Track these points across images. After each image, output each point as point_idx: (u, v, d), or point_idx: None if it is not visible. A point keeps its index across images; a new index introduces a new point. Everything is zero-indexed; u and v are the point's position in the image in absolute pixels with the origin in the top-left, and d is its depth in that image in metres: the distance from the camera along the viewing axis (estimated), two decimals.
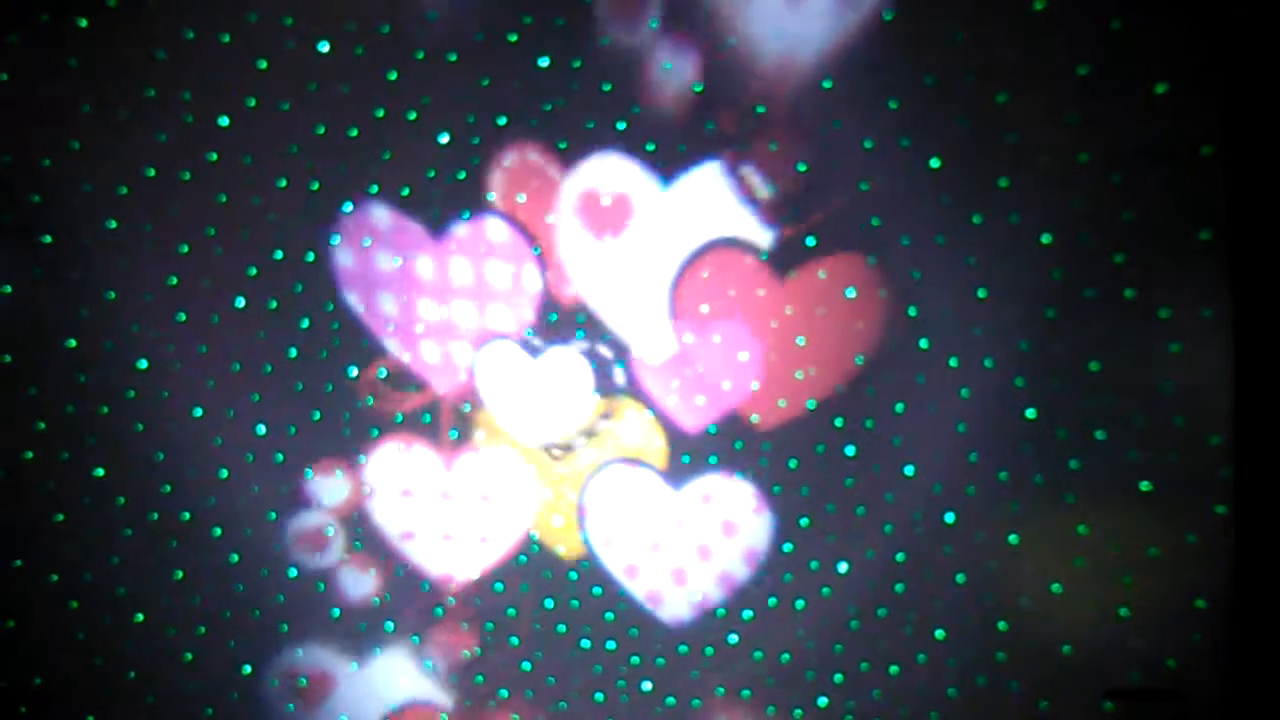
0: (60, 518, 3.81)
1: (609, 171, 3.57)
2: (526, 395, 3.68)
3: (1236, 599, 3.21)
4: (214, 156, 3.72)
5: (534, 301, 3.66)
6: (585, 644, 3.66)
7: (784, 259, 3.51)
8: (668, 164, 3.54)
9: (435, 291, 3.70)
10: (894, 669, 3.49)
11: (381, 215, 3.70)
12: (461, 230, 3.68)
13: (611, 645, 3.66)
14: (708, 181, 3.52)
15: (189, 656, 3.80)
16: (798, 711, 3.58)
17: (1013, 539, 3.41)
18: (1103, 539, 3.36)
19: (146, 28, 3.71)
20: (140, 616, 3.81)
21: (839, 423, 3.50)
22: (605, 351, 3.60)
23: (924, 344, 3.43)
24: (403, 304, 3.71)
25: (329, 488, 3.75)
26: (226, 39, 3.68)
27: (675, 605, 3.62)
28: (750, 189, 3.44)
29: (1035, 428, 3.37)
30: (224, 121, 3.71)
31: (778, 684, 3.59)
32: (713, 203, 3.51)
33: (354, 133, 3.68)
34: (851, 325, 3.48)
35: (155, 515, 3.79)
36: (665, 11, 3.48)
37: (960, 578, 3.44)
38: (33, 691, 3.82)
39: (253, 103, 3.70)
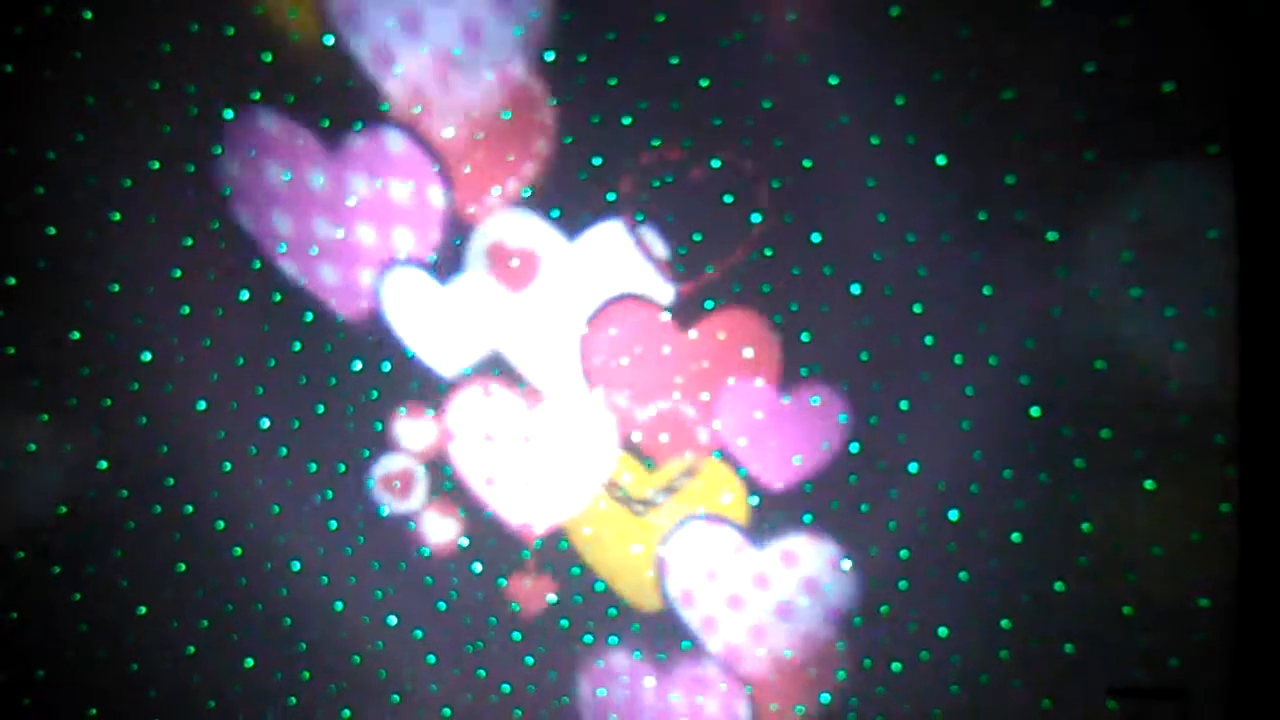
0: (63, 510, 3.81)
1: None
2: (435, 323, 3.62)
3: (1239, 597, 3.21)
4: (219, 150, 3.72)
5: (440, 222, 3.59)
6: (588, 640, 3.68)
7: (685, 315, 3.55)
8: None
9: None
10: (897, 666, 3.49)
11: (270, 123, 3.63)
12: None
13: (614, 640, 3.68)
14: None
15: (191, 649, 3.80)
16: (800, 708, 3.58)
17: (1016, 537, 3.40)
18: (1106, 537, 3.35)
19: (151, 20, 3.70)
20: (143, 609, 3.81)
21: (843, 419, 3.51)
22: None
23: (929, 341, 3.43)
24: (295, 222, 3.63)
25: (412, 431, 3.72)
26: (231, 31, 3.68)
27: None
28: (648, 249, 3.51)
29: (1040, 425, 3.37)
30: (229, 114, 3.71)
31: (781, 680, 3.60)
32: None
33: (358, 126, 3.67)
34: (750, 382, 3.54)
35: (158, 508, 3.79)
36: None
37: (964, 575, 3.44)
38: (35, 684, 3.82)
39: (257, 95, 3.70)
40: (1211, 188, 3.24)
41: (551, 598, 3.65)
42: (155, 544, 3.79)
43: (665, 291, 3.57)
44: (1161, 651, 3.31)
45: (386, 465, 3.73)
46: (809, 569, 3.54)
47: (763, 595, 3.57)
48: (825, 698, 3.55)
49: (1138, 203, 3.30)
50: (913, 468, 3.46)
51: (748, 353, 3.56)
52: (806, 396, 3.53)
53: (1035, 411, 3.37)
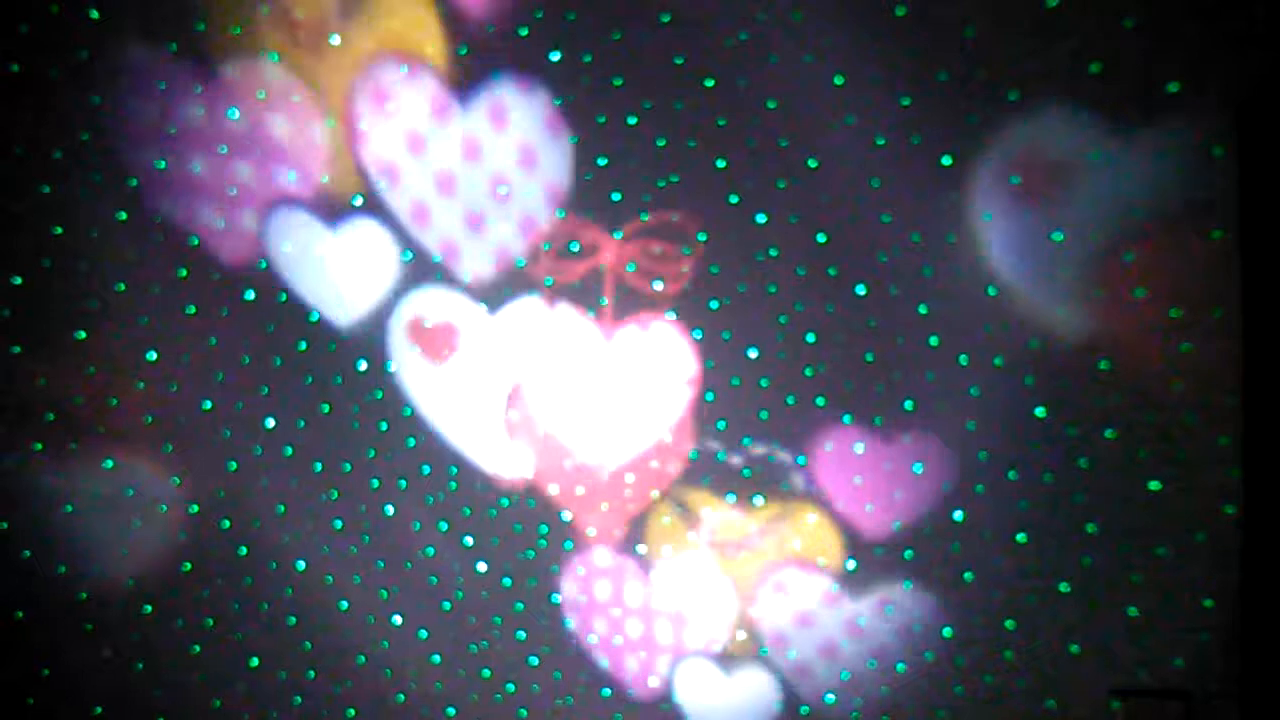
0: (69, 508, 3.82)
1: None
2: (325, 269, 3.49)
3: (1244, 598, 3.21)
4: (224, 149, 3.72)
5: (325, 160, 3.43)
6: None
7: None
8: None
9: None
10: (901, 666, 3.49)
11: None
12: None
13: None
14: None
15: (196, 649, 3.81)
16: (804, 708, 3.58)
17: (1021, 537, 3.40)
18: (1111, 538, 3.35)
19: (157, 19, 3.70)
20: (148, 608, 3.82)
21: (847, 419, 3.51)
22: (784, 455, 3.52)
23: (934, 341, 3.43)
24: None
25: None
26: (237, 30, 3.69)
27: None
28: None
29: (1045, 426, 3.37)
30: (234, 114, 3.71)
31: (785, 681, 3.60)
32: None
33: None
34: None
35: (163, 507, 3.79)
36: None
37: (968, 575, 3.44)
38: (41, 682, 3.83)
39: (262, 95, 3.70)
40: (1217, 189, 3.23)
41: None
42: (160, 543, 3.79)
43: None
44: (1166, 652, 3.31)
45: None
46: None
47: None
48: (830, 698, 3.55)
49: (1142, 203, 3.29)
50: (917, 468, 3.46)
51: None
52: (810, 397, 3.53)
53: (1040, 412, 3.37)
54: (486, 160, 3.22)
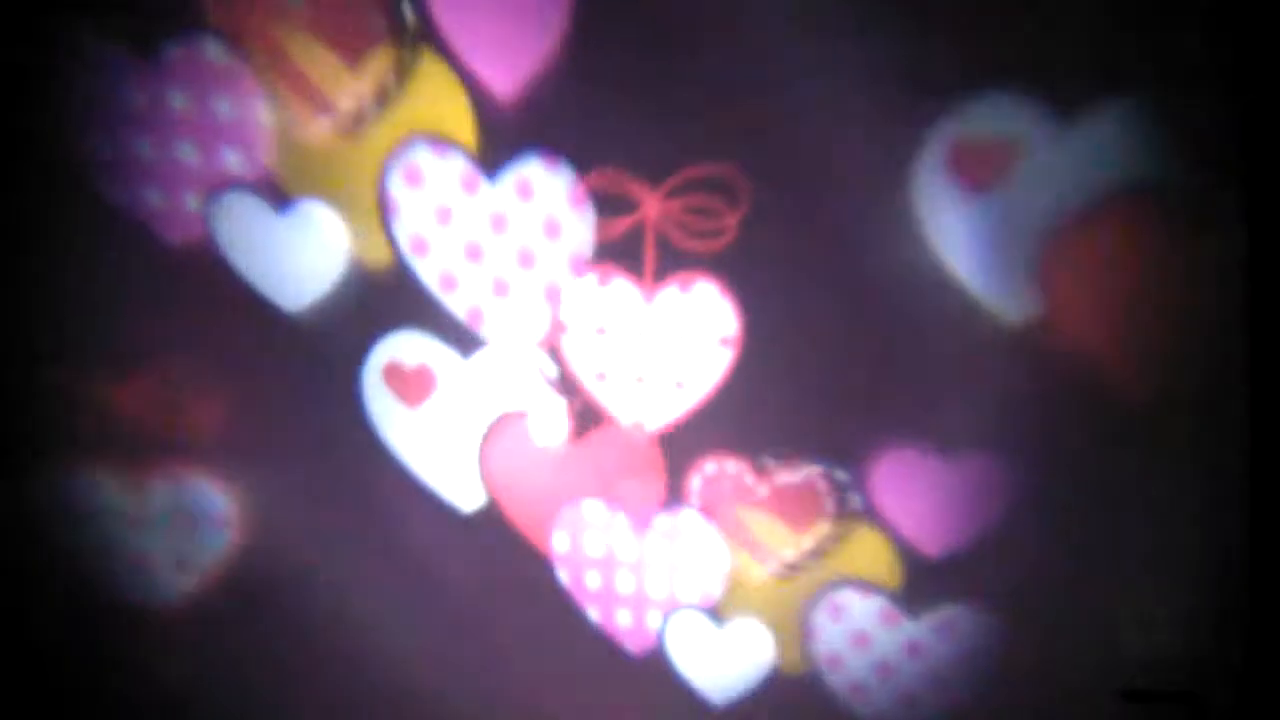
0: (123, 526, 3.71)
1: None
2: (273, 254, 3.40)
3: (1251, 600, 3.22)
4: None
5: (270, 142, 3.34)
6: None
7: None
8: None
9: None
10: (955, 686, 3.48)
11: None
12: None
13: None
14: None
15: (251, 669, 3.71)
16: None
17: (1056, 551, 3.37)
18: (1116, 541, 3.34)
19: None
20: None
21: (900, 434, 3.45)
22: (841, 475, 3.47)
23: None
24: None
25: None
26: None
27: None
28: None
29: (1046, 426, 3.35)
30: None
31: (840, 700, 3.56)
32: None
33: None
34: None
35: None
36: None
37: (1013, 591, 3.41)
38: (109, 695, 3.75)
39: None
40: (1219, 187, 3.22)
41: None
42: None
43: None
44: (1171, 654, 3.31)
45: None
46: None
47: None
48: None
49: (1143, 202, 3.26)
50: (972, 484, 3.41)
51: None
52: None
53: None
54: (512, 231, 3.29)
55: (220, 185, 3.34)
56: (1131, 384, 3.28)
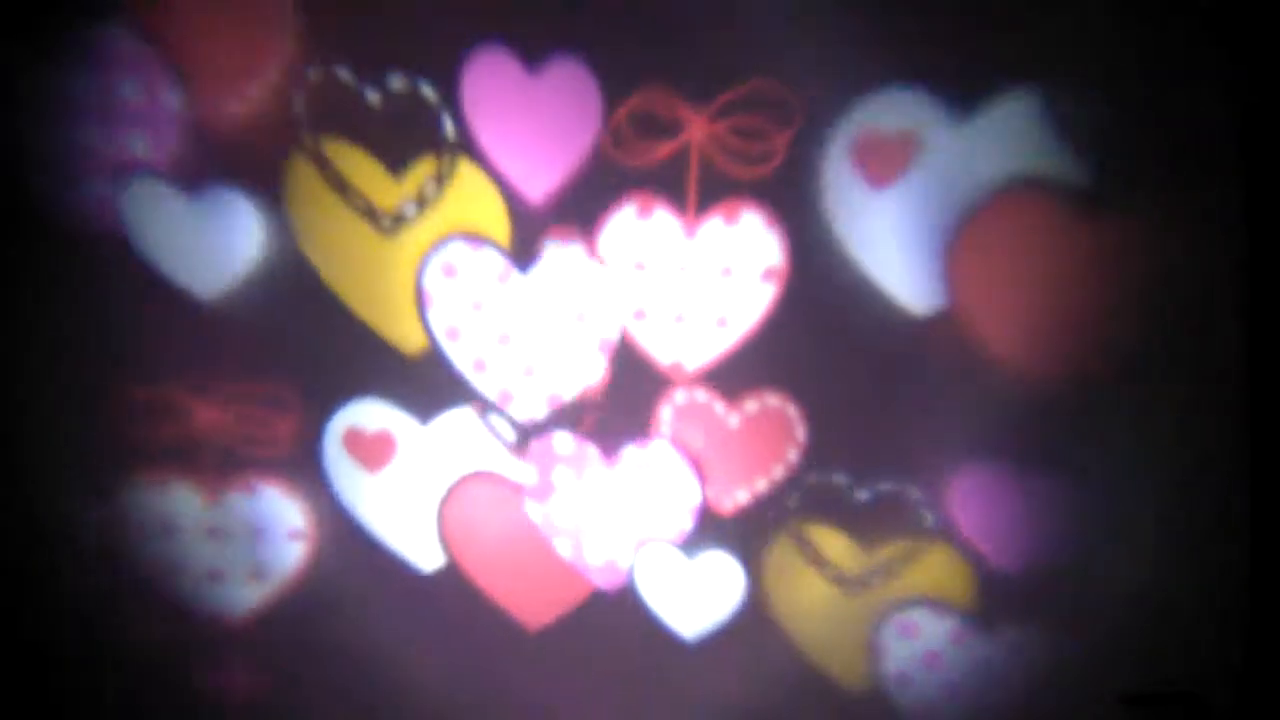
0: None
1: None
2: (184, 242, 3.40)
3: (1253, 601, 3.23)
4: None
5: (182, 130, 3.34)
6: None
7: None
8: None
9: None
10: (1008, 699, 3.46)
11: None
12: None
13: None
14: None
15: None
16: None
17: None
18: (1119, 541, 3.35)
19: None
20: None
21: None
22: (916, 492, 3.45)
23: None
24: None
25: None
26: None
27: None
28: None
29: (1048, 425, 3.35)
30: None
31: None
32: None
33: None
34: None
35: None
36: None
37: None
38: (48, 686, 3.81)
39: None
40: (1220, 187, 3.23)
41: None
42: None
43: None
44: (1172, 654, 3.31)
45: None
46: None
47: None
48: None
49: (1146, 201, 3.27)
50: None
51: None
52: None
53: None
54: (542, 317, 3.38)
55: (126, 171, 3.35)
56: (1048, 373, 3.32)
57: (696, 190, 3.34)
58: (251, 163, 3.34)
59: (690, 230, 3.37)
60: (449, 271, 3.36)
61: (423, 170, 3.33)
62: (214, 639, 3.59)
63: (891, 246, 3.32)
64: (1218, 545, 3.28)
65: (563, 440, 3.50)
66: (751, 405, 3.45)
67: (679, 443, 3.48)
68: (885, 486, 3.42)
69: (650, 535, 3.52)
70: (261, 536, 3.55)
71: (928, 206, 3.29)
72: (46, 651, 3.59)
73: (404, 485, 3.52)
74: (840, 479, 3.44)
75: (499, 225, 3.36)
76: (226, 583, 3.58)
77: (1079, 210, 3.23)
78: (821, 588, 3.50)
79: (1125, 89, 3.20)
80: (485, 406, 3.45)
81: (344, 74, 3.28)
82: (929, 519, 3.42)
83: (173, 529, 3.53)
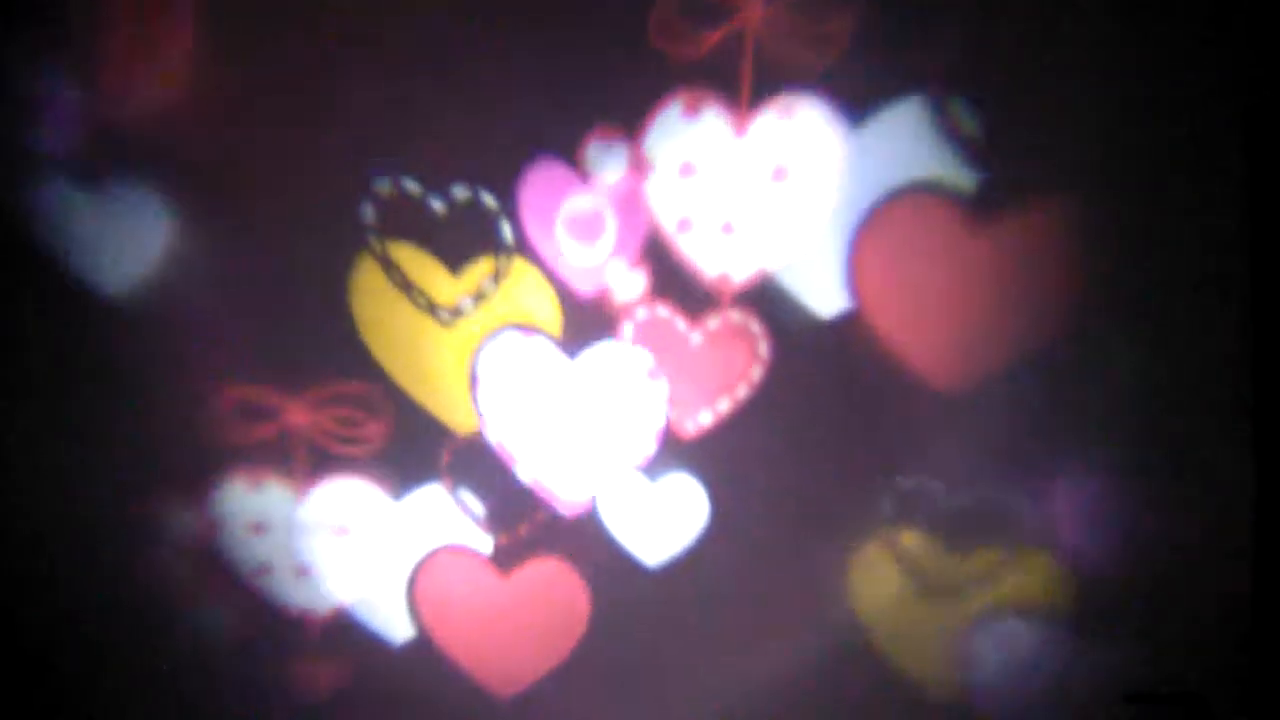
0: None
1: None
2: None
3: (1257, 601, 3.22)
4: None
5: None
6: None
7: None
8: None
9: None
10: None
11: None
12: None
13: None
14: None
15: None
16: None
17: None
18: (1123, 541, 3.34)
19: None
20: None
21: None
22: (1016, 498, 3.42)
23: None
24: None
25: None
26: None
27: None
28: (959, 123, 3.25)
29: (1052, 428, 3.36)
30: None
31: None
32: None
33: None
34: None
35: None
36: None
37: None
38: (50, 684, 3.80)
39: None
40: (1225, 187, 3.23)
41: None
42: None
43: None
44: (1177, 656, 3.30)
45: None
46: None
47: None
48: None
49: (1150, 202, 3.27)
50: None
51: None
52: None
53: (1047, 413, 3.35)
54: (590, 404, 3.48)
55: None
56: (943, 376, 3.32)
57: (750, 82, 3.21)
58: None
59: (741, 129, 3.26)
60: (501, 359, 3.47)
61: (481, 269, 3.44)
62: (300, 636, 3.67)
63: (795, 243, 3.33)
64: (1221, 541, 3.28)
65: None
66: (714, 322, 3.43)
67: (641, 359, 3.48)
68: (982, 493, 3.38)
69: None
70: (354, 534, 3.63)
71: (825, 207, 3.29)
72: (140, 646, 3.68)
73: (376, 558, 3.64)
74: (935, 485, 3.41)
75: (551, 317, 3.45)
76: (316, 579, 3.64)
77: (974, 215, 3.22)
78: (911, 593, 3.48)
79: (1126, 88, 3.21)
80: (455, 483, 3.56)
81: (411, 185, 3.40)
82: (1027, 525, 3.39)
83: (264, 527, 3.62)
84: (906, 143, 3.20)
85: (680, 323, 3.43)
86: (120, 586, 3.63)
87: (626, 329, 3.45)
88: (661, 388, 3.45)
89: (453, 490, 3.57)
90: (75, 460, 3.58)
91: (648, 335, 3.44)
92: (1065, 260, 3.21)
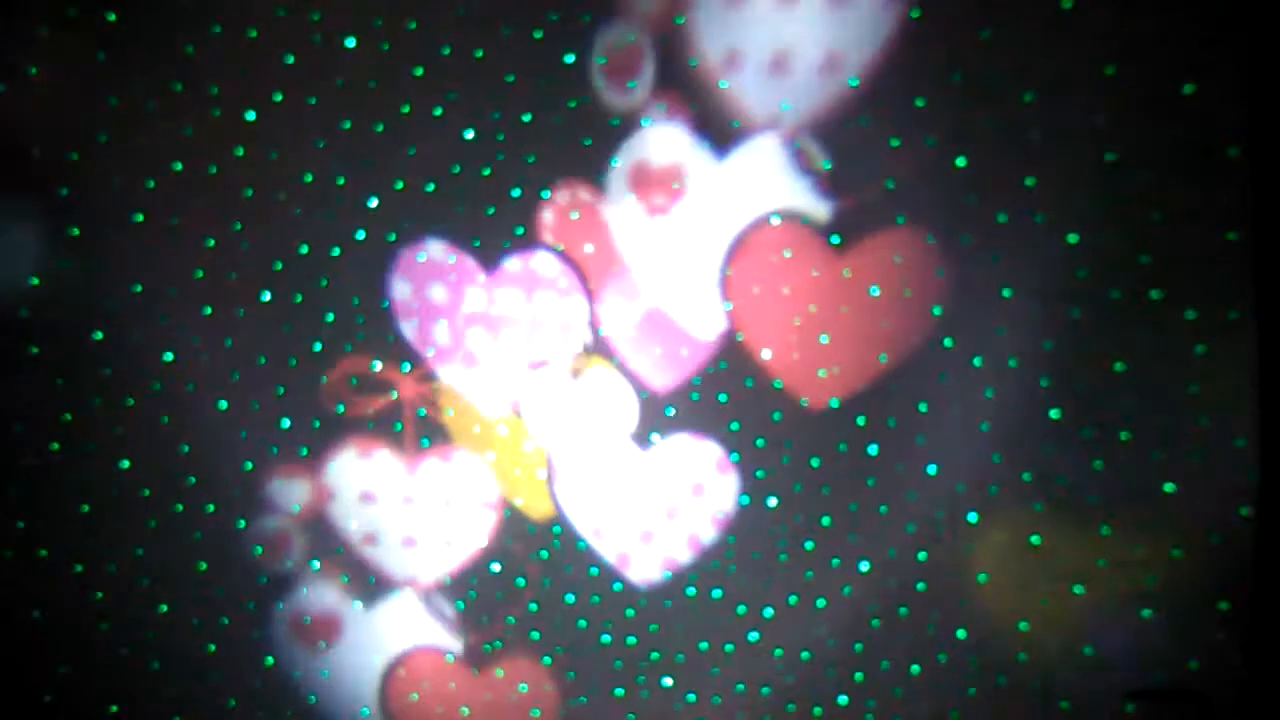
0: (85, 508, 3.84)
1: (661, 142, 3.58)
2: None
3: (1260, 601, 3.21)
4: (240, 151, 3.74)
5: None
6: (605, 639, 3.68)
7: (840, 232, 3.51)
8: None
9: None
10: (915, 668, 3.49)
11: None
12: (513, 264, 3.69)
13: (631, 640, 3.69)
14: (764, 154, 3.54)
15: (212, 648, 3.83)
16: (817, 709, 3.58)
17: (1035, 539, 3.41)
18: (1126, 540, 3.35)
19: (174, 21, 3.71)
20: (164, 607, 3.84)
21: (861, 421, 3.51)
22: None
23: (948, 343, 3.43)
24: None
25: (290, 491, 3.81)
26: (254, 34, 3.70)
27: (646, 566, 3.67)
28: (809, 160, 3.51)
29: (1059, 428, 3.37)
30: (251, 116, 3.73)
31: (798, 681, 3.60)
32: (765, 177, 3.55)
33: (379, 128, 3.70)
34: (875, 325, 3.49)
35: (180, 507, 3.81)
36: None
37: (982, 577, 3.44)
38: (57, 681, 3.86)
39: (279, 97, 3.71)
40: (1232, 190, 3.23)
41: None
42: (177, 542, 3.82)
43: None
44: (1181, 654, 3.31)
45: None
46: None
47: None
48: (843, 699, 3.55)
49: (1158, 205, 3.29)
50: (931, 470, 3.46)
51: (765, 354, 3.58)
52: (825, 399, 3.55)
53: (1055, 414, 3.37)
54: (659, 489, 3.64)
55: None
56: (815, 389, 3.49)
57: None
58: None
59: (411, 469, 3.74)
60: (573, 449, 3.67)
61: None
62: (404, 604, 3.76)
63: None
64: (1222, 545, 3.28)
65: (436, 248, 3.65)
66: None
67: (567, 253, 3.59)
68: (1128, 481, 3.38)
69: (537, 358, 3.63)
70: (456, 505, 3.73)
71: (700, 236, 3.56)
72: (248, 612, 3.81)
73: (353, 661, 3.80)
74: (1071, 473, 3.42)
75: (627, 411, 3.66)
76: (421, 549, 3.74)
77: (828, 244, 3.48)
78: (1041, 576, 3.46)
79: (1130, 88, 3.25)
80: (428, 591, 3.74)
81: None
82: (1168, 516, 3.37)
83: (373, 497, 3.75)
84: (769, 176, 3.50)
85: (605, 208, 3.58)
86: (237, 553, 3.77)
87: (546, 215, 3.57)
88: None
89: (426, 598, 3.76)
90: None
91: (566, 221, 3.58)
92: (916, 284, 3.42)
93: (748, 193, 3.53)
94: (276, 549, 3.80)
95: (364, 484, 3.77)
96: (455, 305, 3.68)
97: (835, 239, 3.48)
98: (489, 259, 3.68)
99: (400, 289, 3.71)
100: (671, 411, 3.63)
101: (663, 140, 3.53)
